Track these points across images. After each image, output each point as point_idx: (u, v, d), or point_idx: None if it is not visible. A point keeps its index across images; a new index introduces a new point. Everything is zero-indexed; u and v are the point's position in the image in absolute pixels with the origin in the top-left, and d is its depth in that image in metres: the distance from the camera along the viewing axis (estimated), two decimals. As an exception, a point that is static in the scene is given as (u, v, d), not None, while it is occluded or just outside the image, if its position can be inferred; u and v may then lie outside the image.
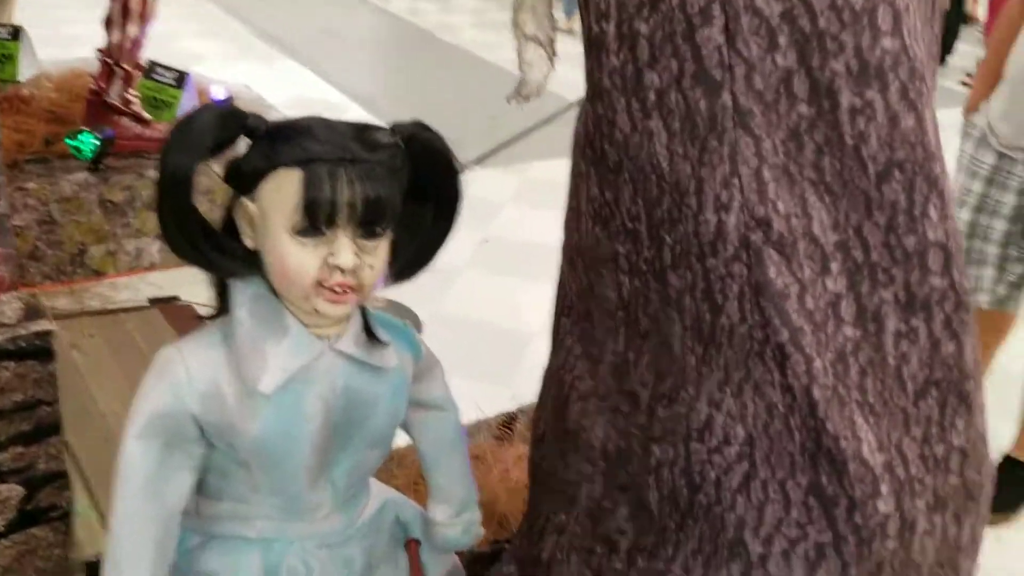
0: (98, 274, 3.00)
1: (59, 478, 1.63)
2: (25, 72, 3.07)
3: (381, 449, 1.17)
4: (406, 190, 1.03)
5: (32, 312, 1.55)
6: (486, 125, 4.75)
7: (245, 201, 1.01)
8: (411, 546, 1.24)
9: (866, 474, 1.03)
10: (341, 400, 1.07)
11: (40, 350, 1.52)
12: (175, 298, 2.78)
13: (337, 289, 0.98)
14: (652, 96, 1.04)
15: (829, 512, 1.06)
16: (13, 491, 1.59)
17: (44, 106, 3.02)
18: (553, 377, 1.46)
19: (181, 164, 0.96)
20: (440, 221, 1.11)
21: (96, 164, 2.84)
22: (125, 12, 2.83)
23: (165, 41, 3.16)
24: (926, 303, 1.02)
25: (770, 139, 0.99)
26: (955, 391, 1.05)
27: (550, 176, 4.20)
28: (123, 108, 2.96)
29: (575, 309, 1.39)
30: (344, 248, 0.97)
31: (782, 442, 1.08)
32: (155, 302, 2.83)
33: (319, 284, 0.98)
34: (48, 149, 2.84)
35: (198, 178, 0.99)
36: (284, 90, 4.63)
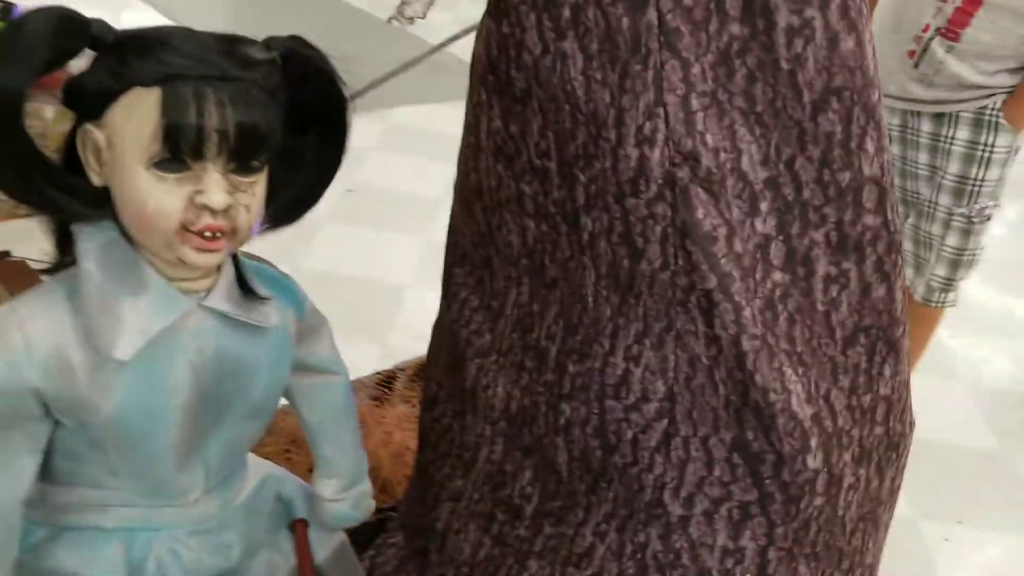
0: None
1: None
2: None
3: (261, 420, 1.03)
4: (286, 117, 0.88)
5: None
6: (343, 69, 4.54)
7: (90, 128, 0.84)
8: (299, 528, 1.11)
9: (795, 428, 0.96)
10: (213, 366, 0.92)
11: None
12: (6, 253, 2.50)
13: (207, 234, 0.83)
14: (567, 13, 0.92)
15: (754, 469, 1.00)
16: None
17: None
18: (445, 332, 1.35)
19: (10, 81, 0.78)
20: (324, 155, 0.97)
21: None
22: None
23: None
24: (858, 244, 0.96)
25: (699, 63, 0.90)
26: (884, 338, 1.00)
27: (416, 122, 4.04)
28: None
29: (470, 257, 1.28)
30: (215, 184, 0.82)
31: (705, 397, 1.00)
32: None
33: (184, 228, 0.83)
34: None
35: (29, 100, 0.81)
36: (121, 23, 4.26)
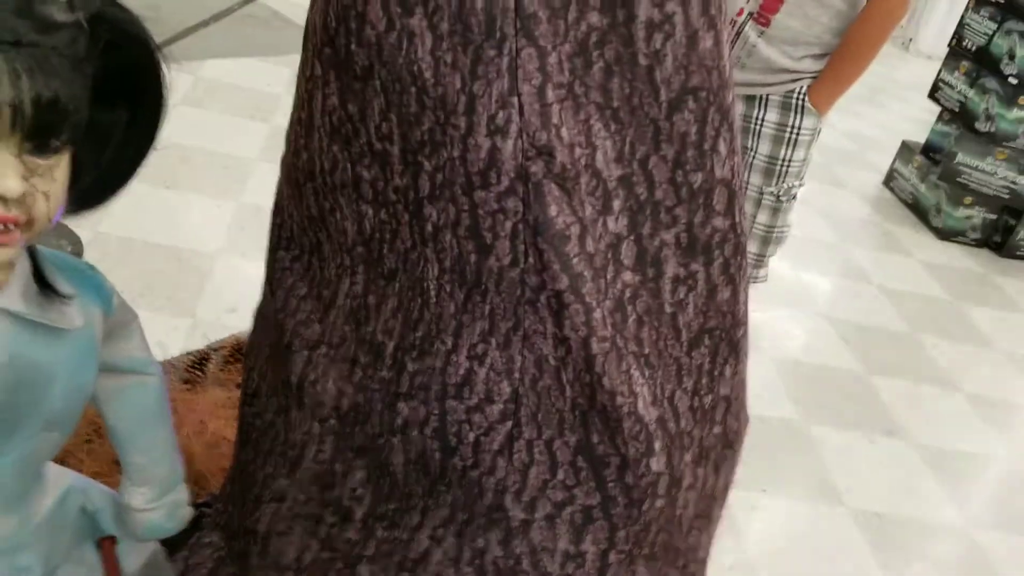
0: None
1: None
2: None
3: (61, 431, 0.91)
4: (92, 88, 0.77)
5: None
6: (148, 18, 4.23)
7: None
8: (105, 546, 1.00)
9: (640, 431, 0.95)
10: (7, 374, 0.80)
11: None
12: None
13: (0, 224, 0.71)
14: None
15: (598, 472, 0.98)
16: None
17: None
18: (268, 321, 1.25)
19: None
20: (135, 130, 0.86)
21: None
22: None
23: None
24: (707, 246, 0.95)
25: (556, 52, 0.85)
26: (727, 339, 1.00)
27: (227, 76, 3.80)
28: None
29: (297, 242, 1.19)
30: (8, 169, 0.70)
31: (551, 399, 0.97)
32: None
33: None
34: None
35: None
36: None
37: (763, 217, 2.02)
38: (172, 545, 1.38)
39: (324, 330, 1.17)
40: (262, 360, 1.27)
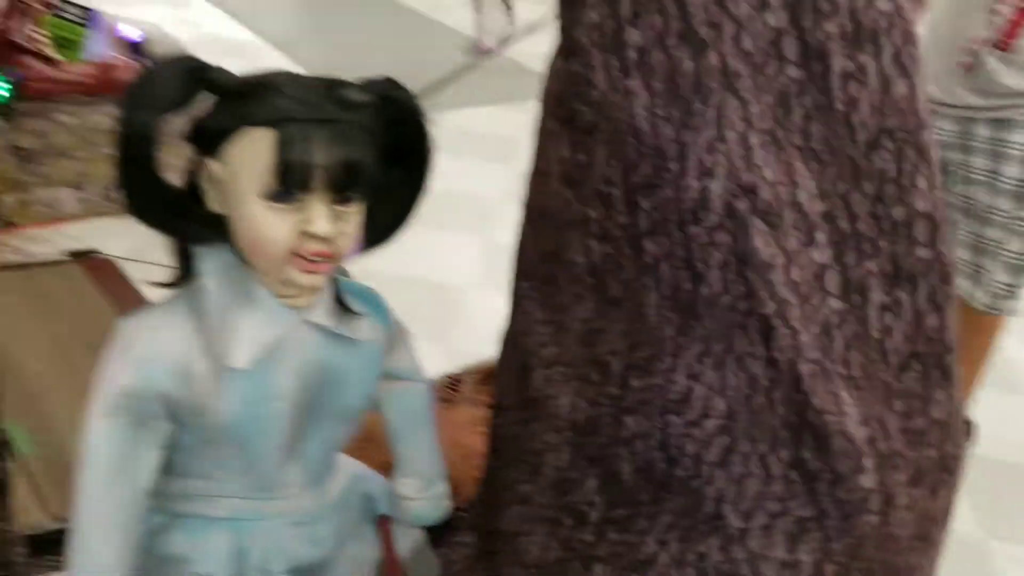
0: (11, 225, 2.86)
1: (-1, 446, 1.53)
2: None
3: (351, 424, 1.13)
4: (379, 152, 0.97)
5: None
6: (404, 71, 4.65)
7: (210, 163, 0.93)
8: (383, 524, 1.20)
9: (850, 449, 1.02)
10: (314, 375, 1.02)
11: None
12: (94, 251, 2.66)
13: (312, 258, 0.92)
14: (633, 54, 0.99)
15: (811, 487, 1.05)
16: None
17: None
18: (512, 342, 1.42)
19: (141, 122, 0.88)
20: (413, 184, 1.06)
21: (6, 110, 2.69)
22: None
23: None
24: (911, 275, 1.00)
25: (758, 103, 0.96)
26: (937, 364, 1.05)
27: (474, 124, 4.11)
28: (29, 47, 2.79)
29: (536, 273, 1.35)
30: (320, 214, 0.91)
31: (763, 416, 1.06)
32: (74, 256, 2.71)
33: (292, 253, 0.92)
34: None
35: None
36: (190, 30, 4.40)
37: (1015, 244, 1.94)
38: (433, 542, 1.59)
39: (559, 351, 1.32)
40: (509, 377, 1.44)
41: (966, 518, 2.06)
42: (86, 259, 2.62)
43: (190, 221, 0.95)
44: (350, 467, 1.23)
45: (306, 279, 0.94)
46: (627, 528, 1.25)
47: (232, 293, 0.96)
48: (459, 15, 4.79)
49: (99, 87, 2.92)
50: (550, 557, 1.38)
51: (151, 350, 0.95)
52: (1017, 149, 1.86)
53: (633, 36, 0.98)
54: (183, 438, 1.02)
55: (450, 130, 4.09)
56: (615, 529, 1.27)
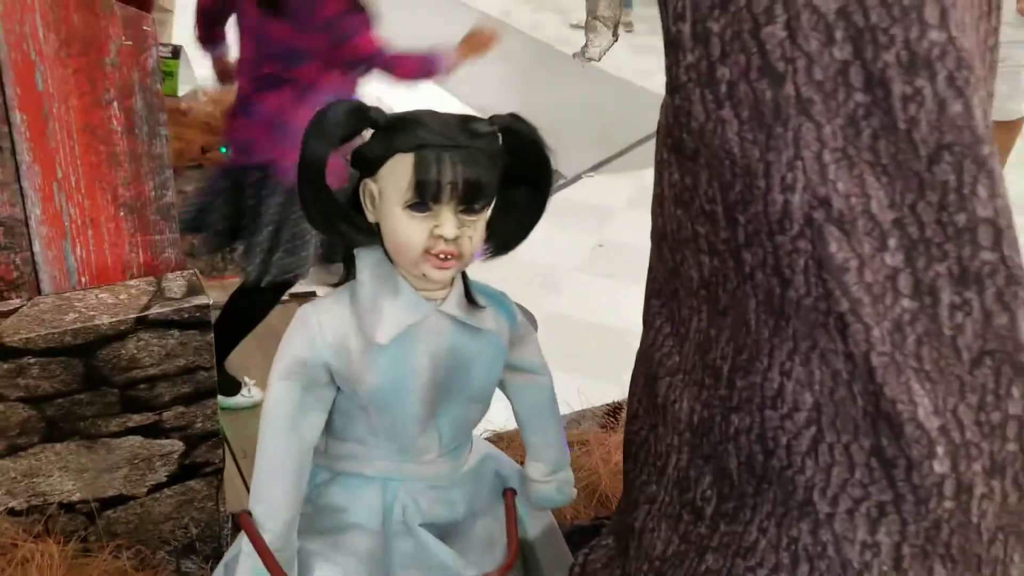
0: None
1: (213, 436, 1.87)
2: (183, 87, 3.40)
3: (481, 404, 1.34)
4: (504, 174, 1.19)
5: (193, 289, 1.80)
6: (601, 134, 4.93)
7: (368, 182, 1.19)
8: (508, 495, 1.39)
9: (922, 436, 1.12)
10: (445, 356, 1.24)
11: (200, 321, 1.76)
12: (313, 293, 3.05)
13: (442, 256, 1.15)
14: (723, 88, 1.16)
15: (889, 473, 1.15)
16: (175, 446, 1.84)
17: (200, 118, 3.36)
18: (644, 356, 1.59)
19: (317, 151, 1.15)
20: (534, 202, 1.27)
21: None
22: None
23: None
24: (978, 277, 1.10)
25: (830, 125, 1.10)
26: (1009, 361, 1.12)
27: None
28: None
29: (663, 291, 1.52)
30: (448, 221, 1.14)
31: (846, 407, 1.17)
32: (295, 296, 3.12)
33: (427, 252, 1.15)
34: (204, 157, 3.16)
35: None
36: (413, 105, 4.88)
37: None
38: (577, 545, 1.76)
39: (681, 360, 1.47)
40: (639, 388, 1.61)
41: None
42: (305, 299, 3.04)
43: (352, 228, 1.21)
44: (485, 448, 1.44)
45: (437, 274, 1.17)
46: (735, 519, 1.38)
47: (381, 285, 1.21)
48: (661, 80, 5.06)
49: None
50: (671, 551, 1.52)
51: (318, 329, 1.21)
52: None
53: (723, 72, 1.16)
54: (342, 403, 1.26)
55: (642, 188, 4.30)
56: (725, 521, 1.40)
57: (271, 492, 1.23)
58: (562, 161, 4.29)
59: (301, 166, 1.16)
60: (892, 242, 1.12)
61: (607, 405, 2.37)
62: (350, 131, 1.17)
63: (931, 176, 1.08)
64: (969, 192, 1.07)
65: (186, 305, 1.76)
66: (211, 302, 1.78)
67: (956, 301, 1.12)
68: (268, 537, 1.21)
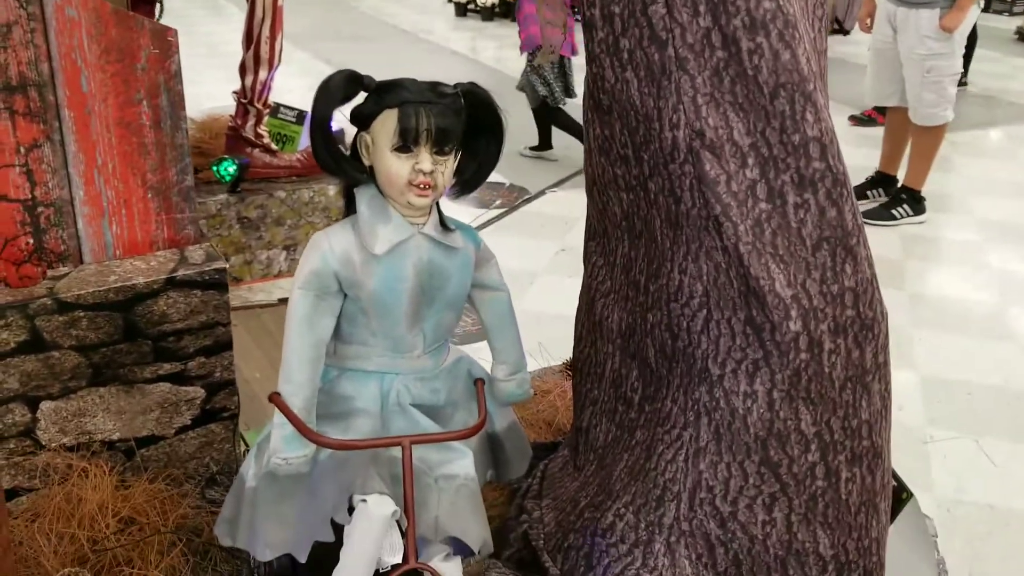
0: (237, 280, 3.70)
1: (230, 385, 2.24)
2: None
3: (455, 312, 1.73)
4: (468, 126, 1.60)
5: (211, 256, 2.19)
6: (563, 156, 5.46)
7: (363, 134, 1.60)
8: (478, 383, 1.77)
9: (779, 303, 1.52)
10: (426, 268, 1.64)
11: (218, 283, 2.14)
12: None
13: (421, 186, 1.55)
14: (625, 55, 1.58)
15: (759, 336, 1.56)
16: (198, 392, 2.21)
17: (191, 143, 3.76)
18: (584, 288, 1.99)
19: (323, 110, 1.55)
20: (491, 149, 1.68)
21: (234, 187, 3.56)
22: (256, 60, 3.55)
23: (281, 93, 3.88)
24: (812, 181, 1.52)
25: (700, 76, 1.52)
26: (842, 245, 1.54)
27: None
28: (255, 141, 3.69)
29: (596, 232, 1.93)
30: (425, 158, 1.55)
31: (726, 290, 1.58)
32: (284, 301, 3.52)
33: (409, 183, 1.55)
34: (196, 176, 3.55)
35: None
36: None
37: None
38: (539, 457, 2.14)
39: (611, 283, 1.88)
40: (582, 314, 2.01)
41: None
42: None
43: (353, 169, 1.62)
44: (459, 352, 1.83)
45: (419, 201, 1.58)
46: (655, 399, 1.78)
47: (376, 213, 1.61)
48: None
49: (306, 170, 3.78)
50: (610, 438, 1.92)
51: (328, 246, 1.61)
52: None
53: (624, 43, 1.58)
54: (348, 309, 1.65)
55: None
56: (648, 403, 1.80)
57: (295, 376, 1.61)
58: (529, 179, 4.84)
59: (312, 122, 1.56)
60: (750, 160, 1.54)
61: (564, 361, 2.76)
62: (348, 93, 1.58)
63: (773, 108, 1.50)
64: (800, 118, 1.50)
65: (207, 268, 2.14)
66: (226, 266, 2.17)
67: (798, 201, 1.53)
68: (294, 411, 1.59)
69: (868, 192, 4.72)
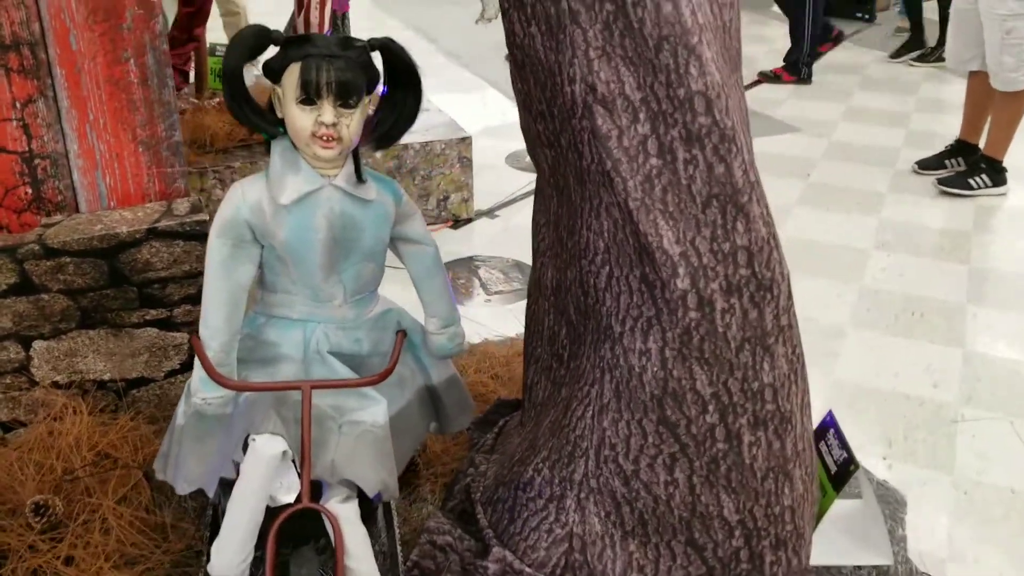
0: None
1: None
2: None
3: (374, 263, 1.82)
4: (387, 80, 1.67)
5: (195, 208, 2.34)
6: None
7: (276, 87, 1.69)
8: (398, 335, 1.85)
9: (667, 260, 1.54)
10: (338, 219, 1.73)
11: (199, 234, 2.30)
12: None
13: (324, 137, 1.64)
14: (529, 11, 1.62)
15: (652, 293, 1.58)
16: (184, 338, 2.37)
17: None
18: (533, 250, 2.04)
19: (232, 62, 1.66)
20: (408, 103, 1.75)
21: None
22: (307, 24, 3.71)
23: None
24: (699, 137, 1.52)
25: (592, 29, 1.54)
26: (732, 202, 1.53)
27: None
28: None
29: (538, 189, 1.97)
30: (327, 110, 1.63)
31: (623, 247, 1.61)
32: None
33: (313, 135, 1.64)
34: (251, 137, 3.75)
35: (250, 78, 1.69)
36: (484, 119, 5.47)
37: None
38: (485, 425, 2.21)
39: (548, 241, 1.92)
40: (532, 272, 2.06)
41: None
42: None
43: (265, 121, 1.72)
44: (390, 304, 1.91)
45: (324, 153, 1.67)
46: (576, 355, 1.82)
47: (286, 164, 1.71)
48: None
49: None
50: (546, 394, 1.97)
51: (240, 195, 1.72)
52: None
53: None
54: (267, 258, 1.76)
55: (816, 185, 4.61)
56: (573, 359, 1.84)
57: (211, 319, 1.74)
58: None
59: (223, 75, 1.67)
60: (641, 115, 1.55)
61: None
62: (256, 48, 1.68)
63: (659, 62, 1.51)
64: (684, 72, 1.50)
65: (188, 220, 2.30)
66: (207, 219, 2.32)
67: (687, 157, 1.54)
68: (211, 353, 1.72)
69: (947, 161, 4.51)
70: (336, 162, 1.72)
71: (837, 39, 6.57)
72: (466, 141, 3.95)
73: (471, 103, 5.87)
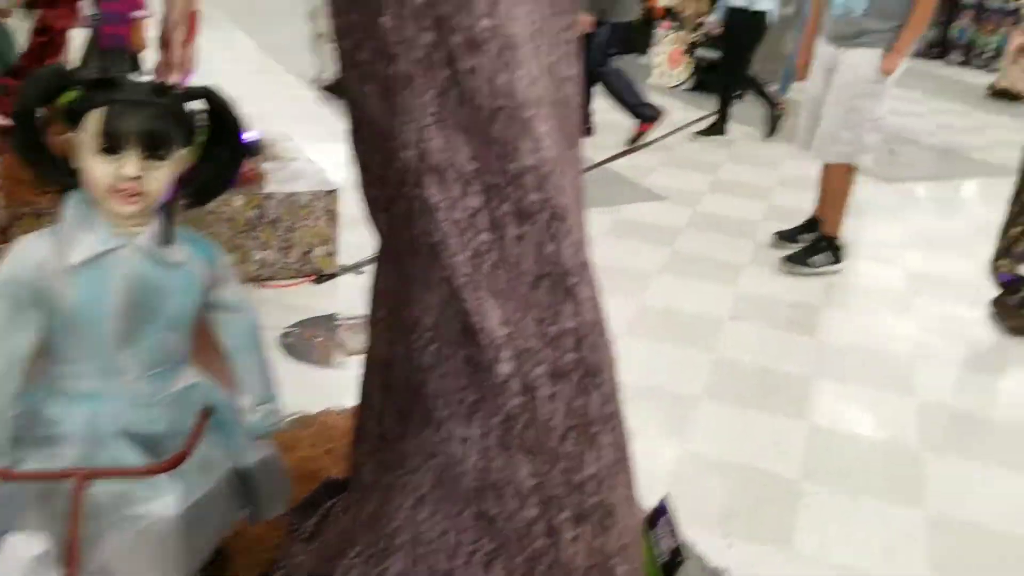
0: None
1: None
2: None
3: (177, 334, 1.66)
4: (208, 133, 1.54)
5: None
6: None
7: (73, 134, 1.54)
8: (202, 413, 1.69)
9: (491, 343, 1.46)
10: (138, 283, 1.57)
11: None
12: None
13: (126, 191, 1.49)
14: (364, 70, 1.52)
15: (476, 375, 1.49)
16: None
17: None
18: (368, 320, 1.91)
19: (25, 104, 1.50)
20: (229, 159, 1.62)
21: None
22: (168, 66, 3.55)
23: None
24: (530, 213, 1.45)
25: (426, 95, 1.46)
26: (560, 283, 1.47)
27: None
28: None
29: (376, 256, 1.86)
30: (130, 162, 1.49)
31: (451, 324, 1.52)
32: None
33: (112, 188, 1.49)
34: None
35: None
36: None
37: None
38: (308, 508, 2.04)
39: (383, 311, 1.80)
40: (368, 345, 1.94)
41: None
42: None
43: (58, 170, 1.56)
44: (198, 378, 1.73)
45: (124, 209, 1.52)
46: (402, 437, 1.70)
47: (81, 219, 1.55)
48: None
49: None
50: (372, 478, 1.82)
51: (22, 253, 1.54)
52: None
53: (360, 56, 1.51)
54: (55, 326, 1.57)
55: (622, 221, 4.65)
56: (398, 440, 1.72)
57: None
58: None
59: (14, 115, 1.51)
60: (474, 187, 1.47)
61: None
62: (56, 88, 1.52)
63: (492, 133, 1.44)
64: (517, 145, 1.43)
65: None
66: None
67: (518, 233, 1.46)
68: None
69: (799, 237, 4.67)
70: (140, 219, 1.57)
71: (655, 119, 6.72)
72: (333, 194, 3.81)
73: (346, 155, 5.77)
